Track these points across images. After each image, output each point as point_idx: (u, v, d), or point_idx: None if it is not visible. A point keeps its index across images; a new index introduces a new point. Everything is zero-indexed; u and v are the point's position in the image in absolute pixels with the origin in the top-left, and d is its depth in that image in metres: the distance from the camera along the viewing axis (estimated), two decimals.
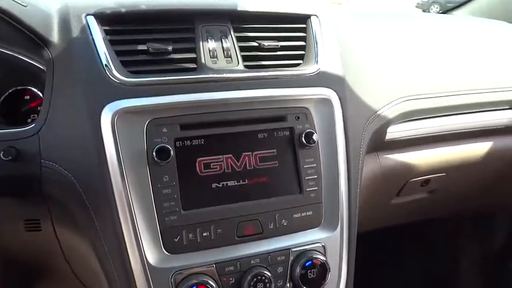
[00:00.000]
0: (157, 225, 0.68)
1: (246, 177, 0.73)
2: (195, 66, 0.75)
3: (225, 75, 0.74)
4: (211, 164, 0.71)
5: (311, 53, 0.82)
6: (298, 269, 0.73)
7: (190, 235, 0.69)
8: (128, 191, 0.67)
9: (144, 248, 0.68)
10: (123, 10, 0.74)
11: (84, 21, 0.72)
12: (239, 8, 0.79)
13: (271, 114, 0.76)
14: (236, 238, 0.72)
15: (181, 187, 0.69)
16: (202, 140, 0.71)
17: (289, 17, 0.84)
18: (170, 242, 0.69)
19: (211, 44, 0.76)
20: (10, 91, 0.82)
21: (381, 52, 0.98)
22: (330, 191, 0.78)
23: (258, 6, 0.81)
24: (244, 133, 0.74)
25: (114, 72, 0.69)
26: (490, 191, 1.25)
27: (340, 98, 0.80)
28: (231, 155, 0.73)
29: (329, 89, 0.79)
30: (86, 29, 0.72)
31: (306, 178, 0.76)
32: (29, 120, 0.82)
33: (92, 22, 0.72)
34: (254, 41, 0.79)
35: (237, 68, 0.76)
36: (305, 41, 0.83)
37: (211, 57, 0.76)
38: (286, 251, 0.74)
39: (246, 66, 0.77)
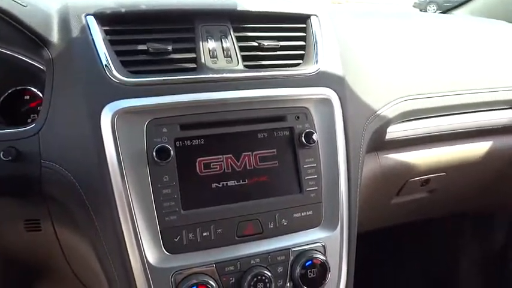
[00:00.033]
0: (157, 225, 0.68)
1: (246, 177, 0.73)
2: (195, 66, 0.75)
3: (225, 75, 0.74)
4: (211, 164, 0.72)
5: (311, 52, 0.82)
6: (298, 269, 0.73)
7: (190, 235, 0.69)
8: (128, 191, 0.67)
9: (144, 248, 0.68)
10: (123, 10, 0.74)
11: (84, 21, 0.72)
12: (239, 8, 0.79)
13: (271, 114, 0.76)
14: (236, 238, 0.72)
15: (181, 187, 0.69)
16: (202, 140, 0.72)
17: (289, 16, 0.84)
18: (170, 242, 0.69)
19: (211, 44, 0.76)
20: (10, 91, 0.82)
21: (381, 52, 0.98)
22: (329, 190, 0.78)
23: (257, 6, 0.81)
24: (244, 133, 0.74)
25: (114, 72, 0.69)
26: (490, 190, 1.25)
27: (340, 98, 0.80)
28: (231, 155, 0.73)
29: (329, 89, 0.79)
30: (85, 29, 0.72)
31: (306, 178, 0.76)
32: (29, 120, 0.82)
33: (92, 22, 0.72)
34: (254, 41, 0.79)
35: (237, 68, 0.76)
36: (305, 41, 0.83)
37: (211, 57, 0.76)
38: (286, 250, 0.74)
39: (245, 66, 0.77)
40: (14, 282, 1.03)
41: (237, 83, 0.74)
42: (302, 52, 0.83)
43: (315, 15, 0.85)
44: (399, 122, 0.96)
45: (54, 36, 0.73)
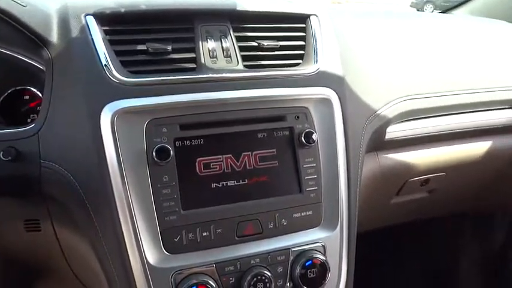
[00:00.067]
0: (157, 225, 0.68)
1: (245, 177, 0.73)
2: (195, 66, 0.75)
3: (224, 75, 0.74)
4: (211, 164, 0.71)
5: (310, 52, 0.82)
6: (298, 269, 0.73)
7: (190, 235, 0.69)
8: (128, 191, 0.67)
9: (144, 248, 0.68)
10: (122, 10, 0.74)
11: (83, 21, 0.72)
12: (238, 8, 0.79)
13: (270, 114, 0.76)
14: (236, 238, 0.72)
15: (181, 187, 0.69)
16: (202, 139, 0.71)
17: (289, 16, 0.84)
18: (170, 242, 0.69)
19: (211, 44, 0.76)
20: (10, 91, 0.82)
21: (381, 52, 0.98)
22: (329, 190, 0.78)
23: (257, 6, 0.81)
24: (243, 133, 0.74)
25: (114, 72, 0.69)
26: (489, 190, 1.25)
27: (339, 98, 0.80)
28: (230, 155, 0.73)
29: (328, 89, 0.79)
30: (85, 29, 0.72)
31: (306, 178, 0.76)
32: (29, 120, 0.82)
33: (91, 22, 0.72)
34: (254, 41, 0.79)
35: (237, 67, 0.76)
36: (304, 41, 0.83)
37: (210, 57, 0.76)
38: (286, 250, 0.74)
39: (245, 66, 0.77)
40: (14, 282, 1.03)
41: (237, 83, 0.74)
42: (302, 52, 0.83)
43: (315, 15, 0.85)
44: (399, 122, 0.96)
45: (54, 36, 0.73)
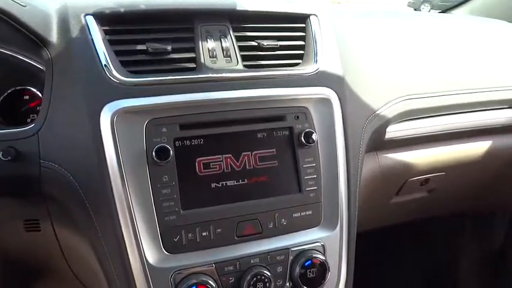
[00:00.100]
0: (156, 225, 0.68)
1: (245, 177, 0.73)
2: (195, 66, 0.75)
3: (224, 74, 0.74)
4: (211, 164, 0.72)
5: (310, 52, 0.82)
6: (297, 269, 0.73)
7: (190, 235, 0.69)
8: (128, 191, 0.67)
9: (144, 248, 0.68)
10: (122, 10, 0.74)
11: (83, 21, 0.72)
12: (238, 8, 0.79)
13: (270, 113, 0.76)
14: (235, 238, 0.72)
15: (181, 187, 0.69)
16: (202, 139, 0.71)
17: (289, 16, 0.84)
18: (170, 241, 0.69)
19: (211, 44, 0.76)
20: (9, 91, 0.82)
21: (380, 52, 0.98)
22: (329, 190, 0.78)
23: (257, 6, 0.81)
24: (243, 133, 0.74)
25: (114, 72, 0.69)
26: (489, 190, 1.25)
27: (339, 98, 0.80)
28: (230, 155, 0.73)
29: (328, 89, 0.79)
30: (85, 29, 0.72)
31: (306, 178, 0.76)
32: (29, 120, 0.82)
33: (91, 22, 0.72)
34: (253, 41, 0.79)
35: (237, 67, 0.76)
36: (304, 41, 0.83)
37: (210, 57, 0.76)
38: (285, 250, 0.74)
39: (245, 65, 0.77)
40: (14, 282, 1.03)
41: (237, 83, 0.74)
42: (301, 52, 0.83)
43: (315, 15, 0.85)
44: (398, 122, 0.96)
45: (54, 36, 0.73)
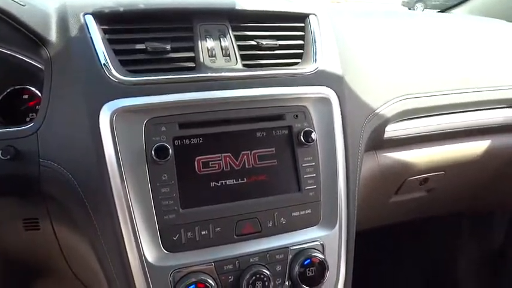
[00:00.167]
0: (156, 223, 0.68)
1: (244, 176, 0.73)
2: (194, 65, 0.75)
3: (223, 74, 0.74)
4: (210, 163, 0.72)
5: (309, 51, 0.82)
6: (296, 267, 0.73)
7: (189, 234, 0.69)
8: (127, 190, 0.67)
9: (143, 247, 0.68)
10: (121, 9, 0.74)
11: (82, 21, 0.72)
12: (237, 7, 0.79)
13: (269, 112, 0.76)
14: (235, 237, 0.72)
15: (180, 186, 0.69)
16: (201, 138, 0.72)
17: (288, 15, 0.84)
18: (169, 240, 0.69)
19: (210, 43, 0.76)
20: (9, 90, 0.82)
21: (380, 51, 0.99)
22: (328, 189, 0.78)
23: (256, 5, 0.81)
24: (242, 132, 0.74)
25: (113, 71, 0.69)
26: (488, 189, 1.25)
27: (338, 97, 0.80)
28: (229, 154, 0.73)
29: (327, 88, 0.79)
30: (84, 28, 0.72)
31: (305, 176, 0.76)
32: (28, 119, 0.82)
33: (90, 21, 0.72)
34: (252, 40, 0.80)
35: (236, 67, 0.76)
36: (303, 40, 0.83)
37: (209, 56, 0.76)
38: (284, 249, 0.74)
39: (244, 65, 0.77)
40: (14, 282, 1.03)
41: (236, 82, 0.74)
42: (301, 51, 0.83)
43: (314, 14, 0.85)
44: (397, 121, 0.96)
45: (53, 36, 0.73)
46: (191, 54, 0.75)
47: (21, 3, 0.72)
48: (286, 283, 0.75)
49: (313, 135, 0.76)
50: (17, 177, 0.71)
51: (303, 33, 0.84)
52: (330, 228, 0.78)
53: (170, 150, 0.68)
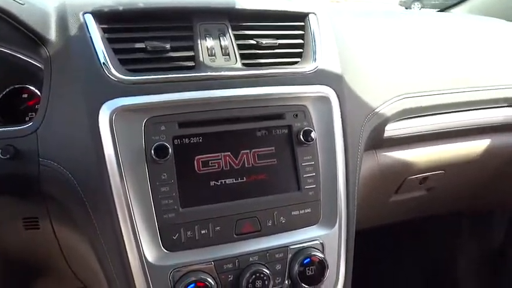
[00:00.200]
0: (155, 222, 0.68)
1: (244, 175, 0.73)
2: (193, 64, 0.75)
3: (223, 73, 0.74)
4: (210, 162, 0.72)
5: (309, 51, 0.82)
6: (296, 266, 0.73)
7: (189, 233, 0.69)
8: (126, 189, 0.67)
9: (143, 246, 0.68)
10: (120, 8, 0.74)
11: (81, 20, 0.72)
12: (237, 6, 0.79)
13: (269, 112, 0.76)
14: (234, 236, 0.72)
15: (180, 185, 0.69)
16: (201, 137, 0.72)
17: (287, 15, 0.84)
18: (168, 239, 0.69)
19: (210, 42, 0.76)
20: (8, 89, 0.82)
21: (379, 50, 0.99)
22: (328, 188, 0.78)
23: (256, 4, 0.81)
24: (242, 131, 0.74)
25: (112, 70, 0.69)
26: (488, 188, 1.25)
27: (338, 96, 0.80)
28: (229, 153, 0.73)
29: (327, 87, 0.79)
30: (83, 27, 0.72)
31: (304, 176, 0.76)
32: (27, 118, 0.82)
33: (90, 20, 0.72)
34: (252, 39, 0.80)
35: (235, 66, 0.76)
36: (303, 39, 0.83)
37: (209, 55, 0.76)
38: (284, 248, 0.74)
39: (244, 64, 0.77)
40: (14, 282, 1.03)
41: (236, 81, 0.74)
42: (300, 50, 0.83)
43: (313, 13, 0.85)
44: (397, 120, 0.96)
45: (52, 35, 0.73)
46: (191, 53, 0.75)
47: (20, 2, 0.72)
48: (286, 282, 0.75)
49: (312, 135, 0.76)
50: (16, 177, 0.71)
51: (302, 33, 0.84)
52: (330, 228, 0.78)
53: (170, 150, 0.68)
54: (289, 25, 0.83)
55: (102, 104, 0.67)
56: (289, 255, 0.74)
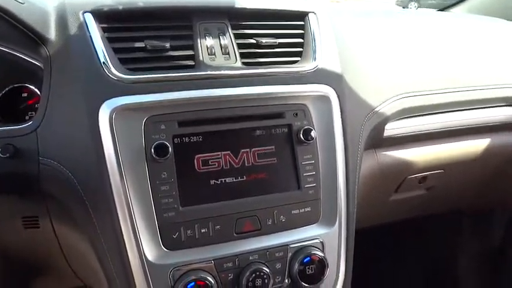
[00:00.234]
0: (155, 221, 0.68)
1: (244, 174, 0.73)
2: (193, 63, 0.75)
3: (223, 72, 0.74)
4: (210, 161, 0.72)
5: (309, 50, 0.82)
6: (296, 265, 0.73)
7: (189, 231, 0.69)
8: (126, 188, 0.67)
9: (143, 245, 0.68)
10: (120, 7, 0.74)
11: (81, 19, 0.72)
12: (237, 5, 0.79)
13: (269, 111, 0.76)
14: (234, 234, 0.72)
15: (180, 184, 0.69)
16: (201, 136, 0.72)
17: (287, 14, 0.84)
18: (169, 238, 0.69)
19: (209, 41, 0.76)
20: (8, 89, 0.82)
21: (379, 50, 0.99)
22: (328, 187, 0.78)
23: (255, 4, 0.81)
24: (242, 130, 0.74)
25: (112, 69, 0.69)
26: (488, 187, 1.25)
27: (338, 95, 0.80)
28: (229, 152, 0.73)
29: (327, 86, 0.80)
30: (83, 27, 0.72)
31: (304, 174, 0.76)
32: (27, 117, 0.82)
33: (90, 19, 0.72)
34: (252, 38, 0.80)
35: (235, 65, 0.76)
36: (303, 38, 0.83)
37: (209, 54, 0.76)
38: (284, 247, 0.74)
39: (244, 63, 0.77)
40: (14, 281, 1.03)
41: (235, 80, 0.74)
42: (300, 49, 0.83)
43: (313, 12, 0.85)
44: (397, 119, 0.96)
45: (52, 34, 0.73)
46: (191, 52, 0.75)
47: (20, 1, 0.72)
48: (286, 281, 0.75)
49: (312, 133, 0.76)
50: (16, 175, 0.71)
51: (302, 32, 0.84)
52: (330, 226, 0.78)
53: (170, 148, 0.68)
54: (289, 24, 0.83)
55: (102, 102, 0.67)
56: (289, 254, 0.74)
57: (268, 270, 0.71)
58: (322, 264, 0.75)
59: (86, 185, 0.69)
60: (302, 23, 0.84)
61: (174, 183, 0.69)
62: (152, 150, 0.67)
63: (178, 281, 0.68)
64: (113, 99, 0.68)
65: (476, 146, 1.10)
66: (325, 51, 0.82)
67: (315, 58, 0.81)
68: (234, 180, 0.73)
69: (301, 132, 0.75)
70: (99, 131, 0.67)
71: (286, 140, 0.76)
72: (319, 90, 0.79)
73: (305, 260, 0.74)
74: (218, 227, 0.71)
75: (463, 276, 1.53)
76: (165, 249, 0.69)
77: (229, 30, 0.78)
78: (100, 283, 0.78)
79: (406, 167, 1.04)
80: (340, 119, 0.80)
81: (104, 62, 0.69)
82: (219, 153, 0.72)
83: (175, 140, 0.70)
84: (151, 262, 0.68)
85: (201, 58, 0.75)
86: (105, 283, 0.74)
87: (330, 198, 0.78)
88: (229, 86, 0.73)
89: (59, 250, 0.87)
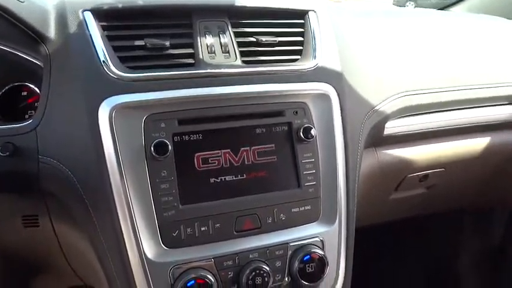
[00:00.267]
0: (155, 220, 0.68)
1: (244, 172, 0.73)
2: (193, 61, 0.75)
3: (223, 70, 0.74)
4: (210, 159, 0.72)
5: (309, 48, 0.82)
6: (296, 263, 0.73)
7: (189, 230, 0.69)
8: (126, 186, 0.67)
9: (143, 243, 0.68)
10: (120, 5, 0.74)
11: (81, 17, 0.72)
12: (237, 4, 0.79)
13: (269, 109, 0.76)
14: (234, 233, 0.72)
15: (180, 182, 0.69)
16: (200, 135, 0.72)
17: (287, 12, 0.84)
18: (168, 236, 0.69)
19: (209, 40, 0.76)
20: (7, 87, 0.82)
21: (379, 48, 0.98)
22: (328, 185, 0.78)
23: (255, 2, 0.81)
24: (242, 128, 0.74)
25: (112, 67, 0.69)
26: (489, 186, 1.25)
27: (338, 93, 0.80)
28: (229, 150, 0.73)
29: (327, 84, 0.79)
30: (83, 25, 0.72)
31: (304, 173, 0.76)
32: (27, 116, 0.82)
33: (89, 18, 0.72)
34: (252, 37, 0.80)
35: (235, 63, 0.76)
36: (303, 37, 0.83)
37: (209, 53, 0.76)
38: (284, 245, 0.74)
39: (244, 61, 0.77)
40: (14, 279, 1.03)
41: (235, 79, 0.74)
42: (300, 48, 0.83)
43: (313, 10, 0.85)
44: (397, 118, 0.96)
45: (52, 32, 0.73)
46: (190, 50, 0.75)
47: None
48: (286, 279, 0.75)
49: (312, 132, 0.76)
50: (16, 174, 0.71)
51: (302, 30, 0.84)
52: (330, 225, 0.78)
53: (169, 147, 0.68)
54: (289, 22, 0.83)
55: (102, 101, 0.67)
56: (289, 252, 0.74)
57: (268, 269, 0.71)
58: (322, 263, 0.75)
59: (86, 183, 0.69)
60: (302, 21, 0.84)
61: (174, 181, 0.69)
62: (152, 148, 0.67)
63: (178, 279, 0.68)
64: (113, 97, 0.68)
65: (477, 144, 1.10)
66: (325, 50, 0.82)
67: (315, 56, 0.81)
68: (234, 178, 0.73)
69: (301, 130, 0.75)
70: (98, 129, 0.67)
71: (286, 138, 0.76)
72: (319, 89, 0.79)
73: (305, 258, 0.74)
74: (218, 225, 0.71)
75: (463, 275, 1.53)
76: (165, 248, 0.69)
77: (229, 28, 0.78)
78: (100, 282, 0.78)
79: (406, 166, 1.03)
80: (340, 117, 0.80)
81: (103, 61, 0.69)
82: (219, 151, 0.72)
83: (175, 138, 0.70)
84: (151, 260, 0.68)
85: (201, 56, 0.75)
86: (105, 282, 0.74)
87: (330, 196, 0.78)
88: (229, 84, 0.73)
89: (59, 249, 0.87)
